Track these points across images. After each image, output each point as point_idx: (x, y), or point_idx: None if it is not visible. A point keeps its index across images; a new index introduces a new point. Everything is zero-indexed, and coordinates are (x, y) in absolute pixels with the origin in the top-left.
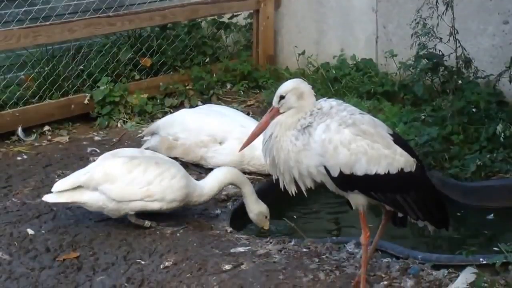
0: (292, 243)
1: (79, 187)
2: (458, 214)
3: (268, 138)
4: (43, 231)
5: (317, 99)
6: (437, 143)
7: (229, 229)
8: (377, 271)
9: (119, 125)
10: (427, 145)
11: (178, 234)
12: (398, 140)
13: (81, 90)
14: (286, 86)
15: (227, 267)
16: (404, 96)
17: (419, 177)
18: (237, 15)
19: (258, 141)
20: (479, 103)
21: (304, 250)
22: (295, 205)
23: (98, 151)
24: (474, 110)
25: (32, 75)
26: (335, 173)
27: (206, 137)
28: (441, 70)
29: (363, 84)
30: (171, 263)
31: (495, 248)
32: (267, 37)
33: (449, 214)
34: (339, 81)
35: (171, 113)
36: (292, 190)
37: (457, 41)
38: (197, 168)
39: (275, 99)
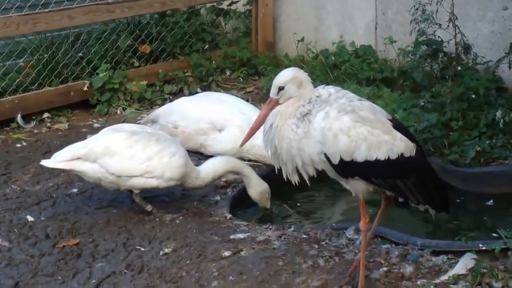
0: (292, 229)
1: (78, 158)
2: (458, 200)
3: (268, 128)
4: (42, 218)
5: (316, 86)
6: (436, 130)
7: (229, 216)
8: (376, 257)
9: (118, 112)
10: (426, 132)
11: (177, 221)
12: (398, 125)
13: (80, 77)
14: (285, 77)
15: (226, 253)
16: (404, 83)
17: (419, 162)
18: (236, 2)
19: (258, 130)
20: (478, 89)
21: (304, 236)
22: (295, 191)
23: None
24: (473, 96)
25: (32, 62)
26: (335, 161)
27: (205, 125)
28: (440, 56)
29: (362, 70)
30: (170, 249)
31: (494, 234)
32: (266, 23)
33: (449, 197)
34: (339, 67)
35: (170, 100)
36: (295, 179)
37: (457, 27)
38: (197, 155)
39: (273, 90)
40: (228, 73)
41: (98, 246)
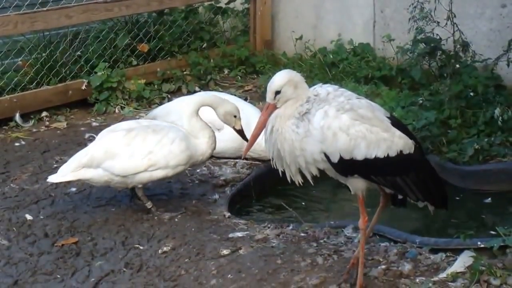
0: (290, 227)
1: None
2: (456, 198)
3: (269, 133)
4: (41, 217)
5: (314, 84)
6: (435, 127)
7: (227, 214)
8: (375, 255)
9: (116, 110)
10: (425, 130)
11: (176, 220)
12: (396, 123)
13: (78, 76)
14: (280, 80)
15: (225, 252)
16: (402, 81)
17: (418, 159)
18: (234, 0)
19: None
20: (476, 87)
21: (302, 234)
22: (293, 189)
23: (96, 136)
24: (471, 94)
25: (30, 61)
26: (335, 159)
27: None
28: (438, 54)
29: (360, 68)
30: (169, 248)
31: (493, 232)
32: (264, 22)
33: (447, 193)
34: (337, 65)
35: (168, 98)
36: (299, 180)
37: (455, 25)
38: None
39: (270, 95)
40: (226, 71)
41: (97, 244)
